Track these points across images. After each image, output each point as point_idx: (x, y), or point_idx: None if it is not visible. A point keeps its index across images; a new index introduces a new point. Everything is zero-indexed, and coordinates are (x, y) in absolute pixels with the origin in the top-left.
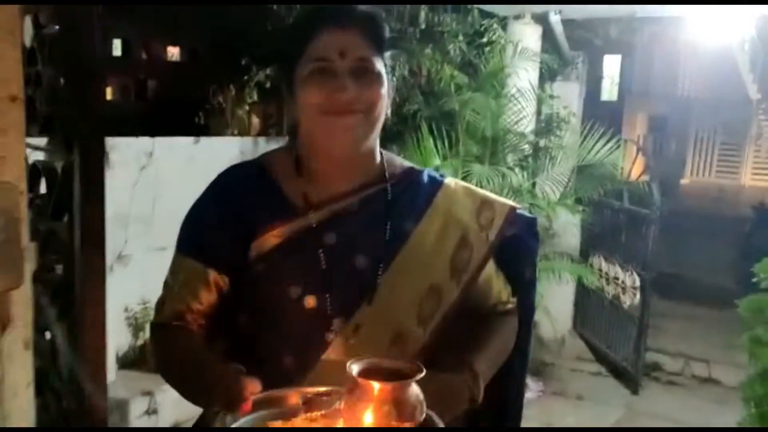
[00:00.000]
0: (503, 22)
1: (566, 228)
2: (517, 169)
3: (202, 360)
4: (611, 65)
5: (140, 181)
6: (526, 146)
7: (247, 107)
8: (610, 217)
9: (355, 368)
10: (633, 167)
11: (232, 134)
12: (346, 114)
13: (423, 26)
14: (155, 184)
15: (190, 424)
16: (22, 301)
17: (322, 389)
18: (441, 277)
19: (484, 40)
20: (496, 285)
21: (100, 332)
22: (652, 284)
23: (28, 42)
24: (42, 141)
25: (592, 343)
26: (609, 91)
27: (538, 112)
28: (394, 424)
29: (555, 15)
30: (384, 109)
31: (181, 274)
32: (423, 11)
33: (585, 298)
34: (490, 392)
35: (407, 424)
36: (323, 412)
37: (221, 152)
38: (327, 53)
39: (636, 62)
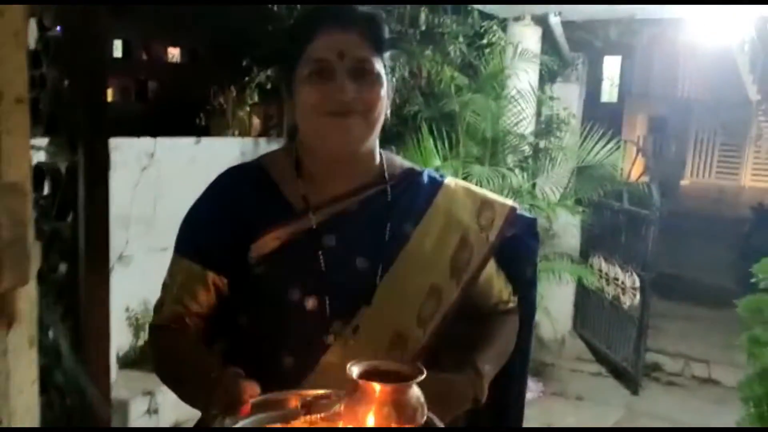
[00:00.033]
0: (503, 24)
1: (566, 229)
2: (517, 170)
3: (200, 363)
4: (611, 67)
5: (141, 181)
6: (526, 147)
7: (247, 108)
8: (610, 218)
9: (355, 370)
10: (633, 168)
11: (233, 135)
12: (346, 115)
13: (423, 28)
14: (156, 185)
15: (190, 424)
16: (28, 299)
17: (322, 392)
18: (441, 278)
19: (484, 41)
20: (497, 284)
21: (104, 331)
22: (652, 285)
23: (32, 44)
24: (43, 141)
25: (592, 343)
26: (609, 92)
27: (538, 114)
28: (394, 426)
29: (555, 17)
30: (383, 110)
31: (179, 276)
32: (423, 13)
33: (585, 299)
34: (492, 392)
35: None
36: (323, 415)
37: (222, 153)
38: (326, 54)
39: (636, 64)
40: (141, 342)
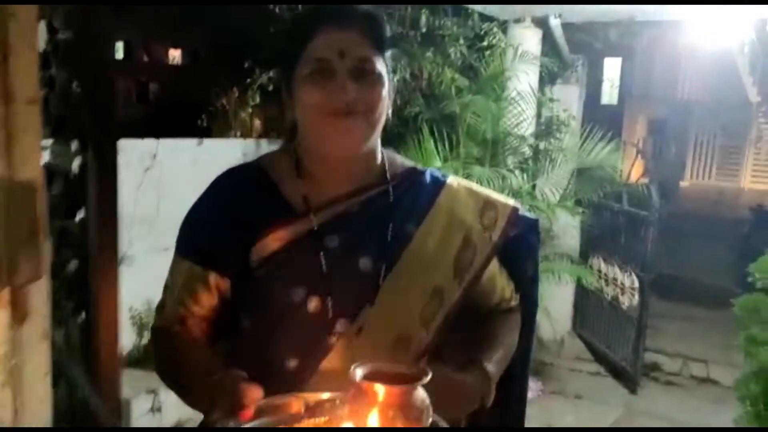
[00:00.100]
0: (503, 26)
1: (566, 230)
2: (517, 172)
3: (203, 365)
4: (611, 68)
5: (144, 182)
6: (526, 149)
7: (249, 110)
8: (610, 219)
9: (359, 372)
10: (632, 170)
11: (235, 136)
12: (347, 115)
13: (424, 30)
14: (159, 186)
15: (193, 423)
16: (40, 293)
17: (325, 395)
18: (444, 278)
19: (485, 43)
20: (500, 283)
21: (113, 326)
22: (651, 285)
23: (41, 46)
24: (47, 141)
25: (592, 343)
26: (609, 94)
27: (538, 115)
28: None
29: (555, 18)
30: (385, 110)
31: (180, 277)
32: (424, 15)
33: (584, 299)
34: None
35: None
36: (326, 418)
37: (224, 154)
38: (327, 53)
39: (636, 65)
40: (144, 341)
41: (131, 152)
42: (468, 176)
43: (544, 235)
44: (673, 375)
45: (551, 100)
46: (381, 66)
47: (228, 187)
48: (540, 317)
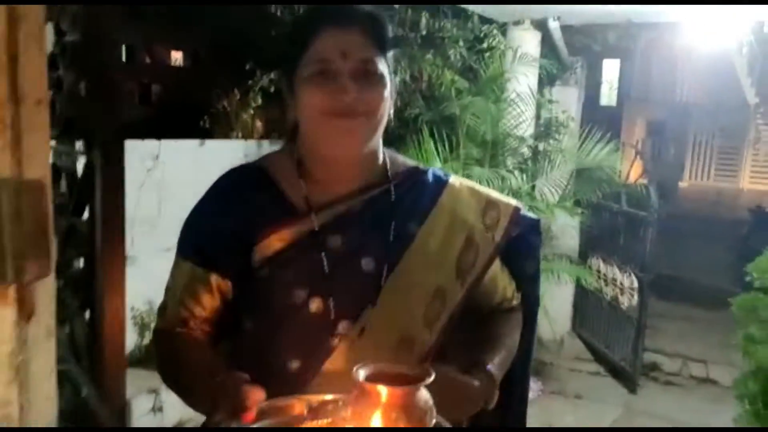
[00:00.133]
0: (503, 28)
1: (565, 230)
2: (516, 172)
3: (205, 367)
4: (610, 70)
5: (146, 183)
6: (526, 150)
7: (251, 111)
8: (609, 220)
9: (361, 373)
10: (631, 170)
11: (237, 137)
12: (348, 116)
13: (424, 32)
14: (161, 186)
15: (194, 423)
16: (46, 290)
17: (328, 397)
18: (446, 278)
19: (484, 45)
20: (501, 282)
21: (120, 324)
22: (650, 285)
23: (49, 48)
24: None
25: (591, 343)
26: (608, 95)
27: (538, 117)
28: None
29: (554, 21)
30: (387, 111)
31: (182, 278)
32: (424, 17)
33: (584, 299)
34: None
35: None
36: (329, 420)
37: (226, 155)
38: (328, 54)
39: (635, 67)
40: (146, 341)
41: (133, 153)
42: (468, 177)
43: (543, 235)
44: (673, 375)
45: (550, 101)
46: (383, 67)
47: (229, 188)
48: (539, 317)
